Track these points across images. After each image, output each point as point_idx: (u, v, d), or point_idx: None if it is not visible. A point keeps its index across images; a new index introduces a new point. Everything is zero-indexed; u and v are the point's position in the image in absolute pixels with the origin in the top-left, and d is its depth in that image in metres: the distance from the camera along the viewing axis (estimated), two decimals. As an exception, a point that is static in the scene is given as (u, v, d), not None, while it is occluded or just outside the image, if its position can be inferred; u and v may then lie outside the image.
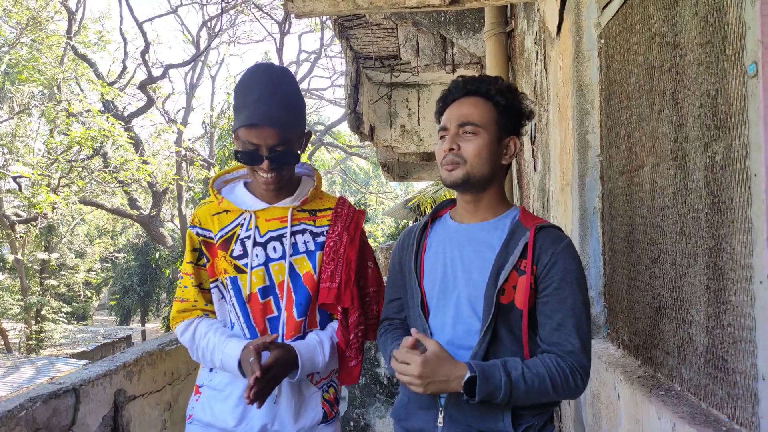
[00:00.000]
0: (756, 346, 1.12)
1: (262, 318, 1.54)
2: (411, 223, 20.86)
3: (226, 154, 12.11)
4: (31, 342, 17.97)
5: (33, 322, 18.24)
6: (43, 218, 14.59)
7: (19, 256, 17.00)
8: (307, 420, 1.58)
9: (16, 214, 16.51)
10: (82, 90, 17.82)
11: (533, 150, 3.19)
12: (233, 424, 1.53)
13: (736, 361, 1.19)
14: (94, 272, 22.32)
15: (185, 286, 1.61)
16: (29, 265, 18.54)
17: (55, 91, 16.08)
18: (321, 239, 1.62)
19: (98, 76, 16.75)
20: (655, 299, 1.63)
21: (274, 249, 1.58)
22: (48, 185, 14.06)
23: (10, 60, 16.08)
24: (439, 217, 1.53)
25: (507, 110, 1.41)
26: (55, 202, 13.46)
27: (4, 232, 16.40)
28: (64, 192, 14.55)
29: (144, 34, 17.02)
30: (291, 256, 1.58)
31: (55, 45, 16.79)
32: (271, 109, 1.48)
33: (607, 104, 2.06)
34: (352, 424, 2.68)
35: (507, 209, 1.44)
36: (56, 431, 1.46)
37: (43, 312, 18.54)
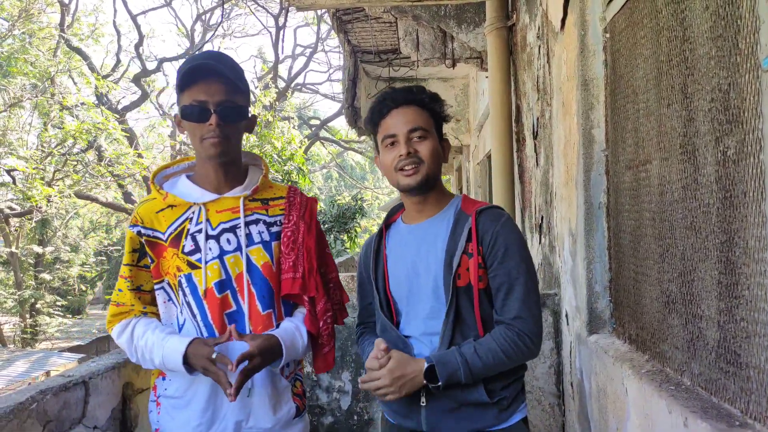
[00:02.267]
0: (770, 340, 1.12)
1: (219, 313, 1.49)
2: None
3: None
4: (25, 335, 17.91)
5: (28, 315, 18.17)
6: (37, 212, 14.51)
7: (13, 249, 16.90)
8: (282, 414, 1.56)
9: (10, 208, 16.40)
10: (75, 83, 17.71)
11: (535, 145, 3.19)
12: (205, 429, 1.48)
13: (749, 356, 1.20)
14: (88, 266, 22.23)
15: (120, 290, 1.54)
16: (23, 258, 18.45)
17: (48, 84, 15.96)
18: (275, 229, 1.58)
19: (92, 69, 16.64)
20: (664, 294, 1.63)
21: (228, 241, 1.53)
22: (42, 179, 13.97)
23: (1, 52, 15.94)
24: (393, 222, 1.68)
25: (438, 118, 1.58)
26: (51, 195, 13.38)
27: (-3, 225, 16.30)
28: (59, 185, 14.47)
29: (138, 27, 16.92)
30: (247, 246, 1.53)
31: (47, 38, 16.66)
32: (216, 66, 1.47)
33: (612, 99, 2.06)
34: (356, 417, 2.68)
35: (449, 200, 1.60)
36: (67, 424, 1.45)
37: (38, 305, 18.47)
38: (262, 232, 1.57)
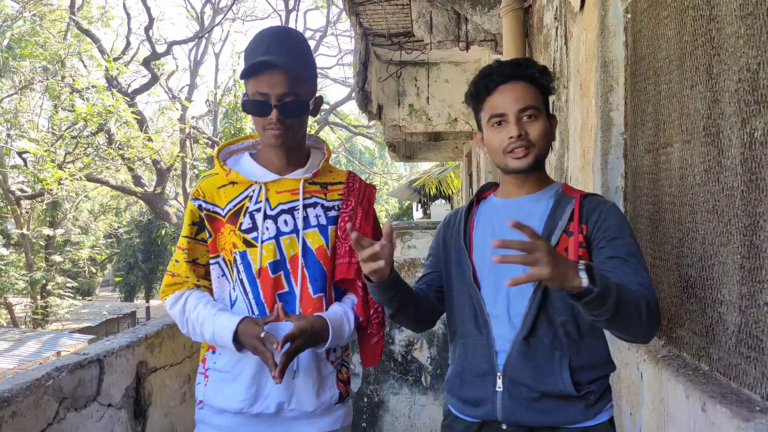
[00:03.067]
0: (795, 325, 1.10)
1: (272, 293, 1.49)
2: (415, 204, 20.85)
3: (232, 132, 12.06)
4: (36, 317, 18.12)
5: (38, 297, 18.38)
6: (48, 194, 14.60)
7: (24, 231, 17.05)
8: (324, 399, 1.55)
9: (21, 190, 16.52)
10: (85, 66, 17.72)
11: (550, 129, 3.15)
12: (248, 405, 1.49)
13: (772, 340, 1.18)
14: (98, 249, 22.42)
15: (177, 261, 1.56)
16: (34, 240, 18.61)
17: (59, 67, 15.98)
18: (332, 213, 1.58)
19: (102, 51, 16.63)
20: (682, 279, 1.61)
21: (285, 222, 1.53)
22: (53, 161, 14.04)
23: (12, 35, 15.95)
24: (484, 198, 1.57)
25: (547, 93, 1.46)
26: (62, 178, 13.46)
27: (9, 207, 16.44)
28: (69, 168, 14.54)
29: (148, 9, 16.86)
30: (303, 229, 1.53)
31: (58, 20, 16.64)
32: (281, 55, 1.44)
33: (632, 81, 2.03)
34: (366, 400, 2.69)
35: (550, 183, 1.49)
36: (81, 401, 1.46)
37: (49, 287, 18.66)
38: (320, 215, 1.57)
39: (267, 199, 1.53)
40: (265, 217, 1.52)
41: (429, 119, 7.18)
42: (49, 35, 15.90)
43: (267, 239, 1.51)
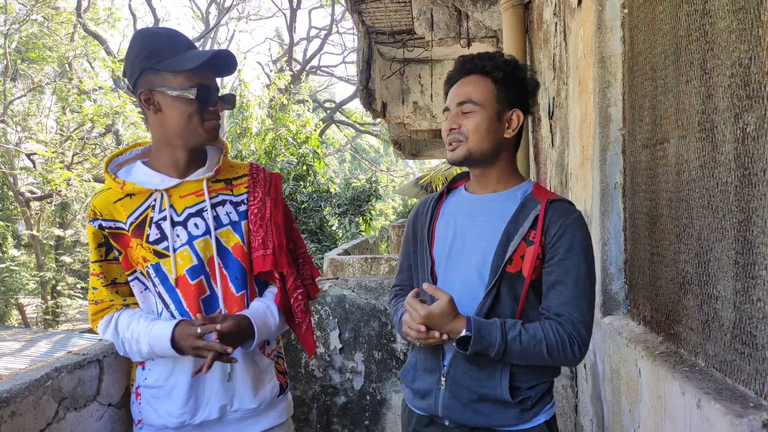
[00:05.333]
0: (787, 320, 1.10)
1: (195, 300, 1.45)
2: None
3: (238, 131, 12.09)
4: (47, 317, 18.28)
5: (49, 297, 18.53)
6: (57, 195, 14.71)
7: (34, 232, 17.20)
8: (266, 393, 1.54)
9: (31, 192, 16.66)
10: (93, 67, 17.82)
11: (551, 125, 3.14)
12: (189, 417, 1.46)
13: (765, 337, 1.17)
14: (107, 249, 22.55)
15: (95, 288, 1.50)
16: (44, 241, 18.78)
17: (67, 68, 16.08)
18: (242, 208, 1.54)
19: (108, 53, 16.72)
20: (679, 275, 1.61)
21: (196, 225, 1.48)
22: (62, 162, 14.14)
23: (20, 38, 16.07)
24: (455, 189, 1.58)
25: (506, 84, 1.44)
26: (70, 179, 13.55)
27: (19, 209, 16.58)
28: (77, 169, 14.64)
29: (153, 10, 16.92)
30: (216, 230, 1.49)
31: (65, 22, 16.74)
32: (228, 56, 1.48)
33: (630, 76, 2.02)
34: (368, 398, 2.70)
35: (519, 183, 1.49)
36: (81, 401, 1.48)
37: (59, 287, 18.82)
38: (230, 212, 1.53)
39: (171, 206, 1.48)
40: (174, 224, 1.47)
41: (433, 116, 7.18)
42: (56, 38, 16.00)
43: (180, 246, 1.46)
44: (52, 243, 19.73)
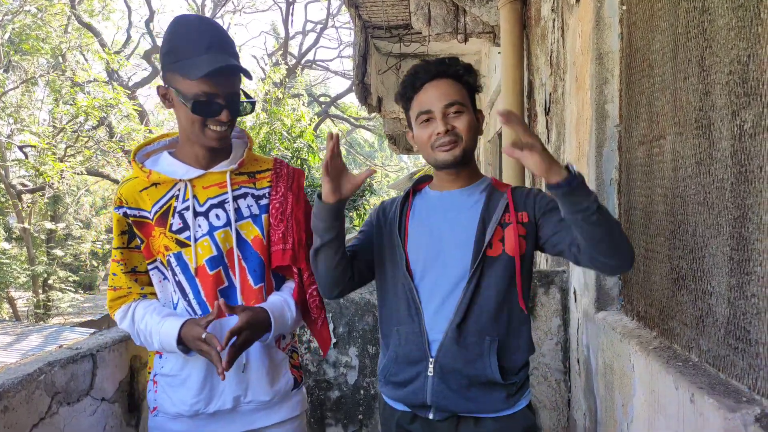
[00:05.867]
0: (781, 316, 1.10)
1: (213, 290, 1.47)
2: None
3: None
4: (39, 311, 18.18)
5: (40, 291, 18.43)
6: (49, 188, 14.62)
7: (26, 225, 17.09)
8: (280, 386, 1.55)
9: (23, 184, 16.55)
10: (86, 59, 17.69)
11: (547, 121, 3.14)
12: (203, 406, 1.48)
13: (759, 332, 1.18)
14: (100, 242, 22.45)
15: (114, 274, 1.52)
16: (36, 234, 18.66)
17: (60, 60, 15.96)
18: (264, 202, 1.56)
19: (103, 45, 16.60)
20: (674, 271, 1.61)
21: (217, 216, 1.50)
22: (54, 154, 14.04)
23: (13, 29, 15.91)
24: (419, 191, 1.62)
25: (471, 87, 1.51)
26: (62, 171, 13.46)
27: (11, 201, 16.46)
28: (70, 161, 14.55)
29: (148, 2, 16.80)
30: (236, 221, 1.51)
31: (59, 14, 16.59)
32: (226, 55, 1.42)
33: (627, 73, 2.02)
34: (362, 392, 2.70)
35: (480, 177, 1.56)
36: (74, 395, 1.47)
37: (51, 281, 18.72)
38: (251, 205, 1.54)
39: (194, 196, 1.50)
40: (196, 214, 1.49)
41: (429, 112, 7.14)
42: (50, 29, 15.86)
43: (201, 236, 1.48)
44: (43, 236, 19.61)
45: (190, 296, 1.48)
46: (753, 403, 1.15)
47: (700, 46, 1.47)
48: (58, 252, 19.49)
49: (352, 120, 23.10)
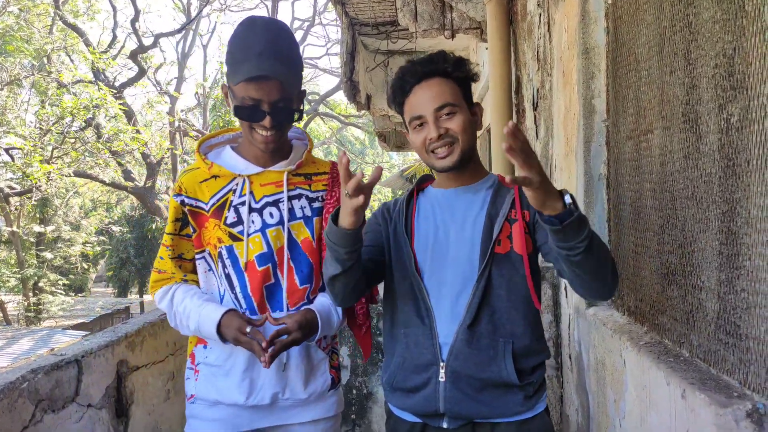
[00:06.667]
0: (771, 311, 1.10)
1: (259, 286, 1.49)
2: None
3: (221, 125, 11.98)
4: (29, 314, 18.03)
5: (30, 294, 18.27)
6: (37, 190, 14.48)
7: (14, 228, 16.92)
8: (317, 386, 1.56)
9: (10, 187, 16.37)
10: (72, 60, 17.52)
11: (535, 117, 3.13)
12: (243, 398, 1.49)
13: (749, 327, 1.18)
14: (90, 245, 22.28)
15: (161, 257, 1.55)
16: (25, 237, 18.48)
17: (45, 61, 15.78)
18: (317, 205, 1.57)
19: (88, 45, 16.43)
20: (663, 266, 1.61)
21: (271, 215, 1.52)
22: (41, 156, 13.90)
23: (-4, 30, 15.72)
24: (422, 190, 1.56)
25: (464, 82, 1.43)
26: (50, 172, 13.33)
27: (-2, 205, 16.29)
28: (57, 163, 14.41)
29: (134, 2, 16.64)
30: (288, 221, 1.53)
31: (43, 14, 16.41)
32: (275, 62, 1.41)
33: (614, 67, 2.01)
34: (354, 392, 2.69)
35: (486, 175, 1.49)
36: (59, 402, 1.44)
37: (41, 284, 18.56)
38: (304, 207, 1.56)
39: (251, 192, 1.52)
40: (251, 210, 1.51)
41: (418, 108, 7.12)
42: (34, 30, 15.67)
43: (253, 232, 1.50)
44: (32, 239, 19.42)
45: (237, 289, 1.51)
46: (744, 398, 1.15)
47: (685, 39, 1.46)
48: (48, 255, 19.32)
49: (342, 118, 23.05)
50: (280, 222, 1.52)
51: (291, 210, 1.54)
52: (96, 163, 15.76)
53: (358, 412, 2.70)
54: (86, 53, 15.32)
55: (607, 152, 2.09)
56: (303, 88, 1.57)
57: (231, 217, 1.51)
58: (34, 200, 16.07)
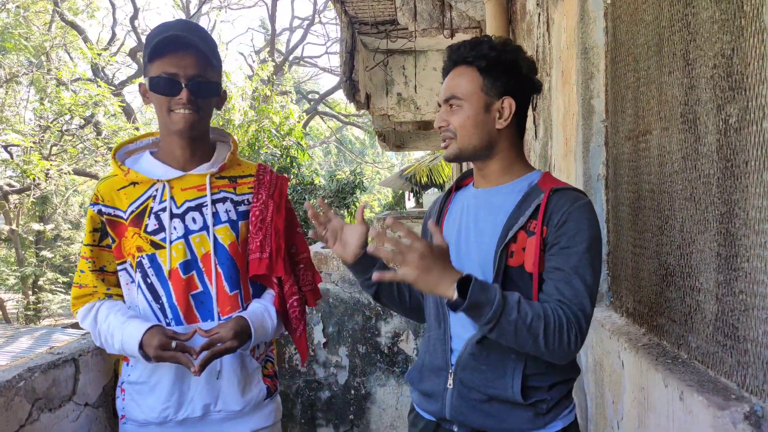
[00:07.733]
0: (769, 313, 1.10)
1: (185, 295, 1.44)
2: (407, 193, 20.81)
3: (220, 123, 11.97)
4: (29, 312, 18.03)
5: (30, 292, 18.26)
6: (36, 188, 14.47)
7: (13, 227, 16.92)
8: (252, 395, 1.52)
9: (9, 185, 16.36)
10: (71, 58, 17.51)
11: (534, 117, 3.13)
12: (172, 412, 1.45)
13: (747, 329, 1.17)
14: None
15: (82, 271, 1.49)
16: (24, 236, 18.47)
17: (44, 59, 15.77)
18: (243, 208, 1.53)
19: (86, 40, 16.42)
20: (662, 267, 1.60)
21: (194, 220, 1.47)
22: (40, 153, 13.89)
23: (-5, 27, 15.70)
24: (464, 186, 1.51)
25: (491, 71, 1.34)
26: (48, 169, 13.32)
27: (-3, 202, 16.28)
28: (56, 160, 14.39)
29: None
30: (213, 226, 1.48)
31: (42, 12, 16.40)
32: (190, 39, 1.40)
33: (613, 67, 2.01)
34: (352, 392, 2.69)
35: (525, 173, 1.39)
36: (56, 401, 1.44)
37: (40, 282, 18.55)
38: (229, 210, 1.51)
39: (172, 197, 1.47)
40: (172, 216, 1.46)
41: (417, 108, 7.14)
42: (33, 28, 15.66)
43: (176, 239, 1.45)
44: (32, 238, 19.41)
45: (163, 299, 1.45)
46: (742, 400, 1.15)
47: (684, 39, 1.46)
48: (47, 253, 19.31)
49: (342, 117, 23.04)
50: (204, 227, 1.47)
51: (215, 214, 1.49)
52: (95, 160, 15.74)
53: (356, 413, 2.70)
54: (85, 50, 15.31)
55: (605, 153, 2.09)
56: (225, 89, 1.54)
57: (152, 224, 1.46)
58: (33, 198, 16.06)
